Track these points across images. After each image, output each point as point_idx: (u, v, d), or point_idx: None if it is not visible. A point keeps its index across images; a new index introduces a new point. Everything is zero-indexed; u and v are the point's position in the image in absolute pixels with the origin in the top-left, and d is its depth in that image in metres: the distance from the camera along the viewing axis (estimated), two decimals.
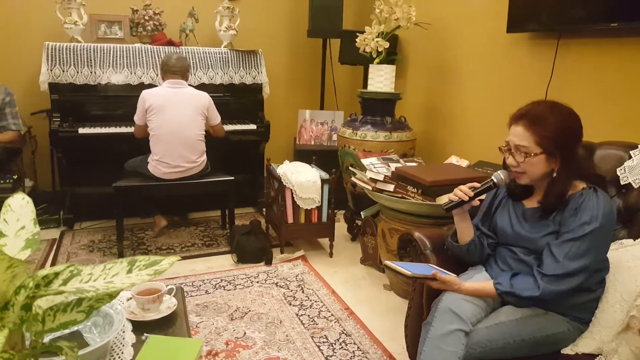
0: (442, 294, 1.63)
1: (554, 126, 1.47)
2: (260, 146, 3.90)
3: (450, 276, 1.60)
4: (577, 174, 1.53)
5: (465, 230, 1.74)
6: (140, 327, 1.40)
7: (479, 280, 1.66)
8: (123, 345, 1.29)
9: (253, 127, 3.75)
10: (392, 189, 2.38)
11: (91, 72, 3.38)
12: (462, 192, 1.67)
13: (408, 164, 2.73)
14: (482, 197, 1.75)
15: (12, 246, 0.85)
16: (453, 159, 2.74)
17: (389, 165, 2.65)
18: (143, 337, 1.34)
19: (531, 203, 1.62)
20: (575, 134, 1.53)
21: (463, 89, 3.14)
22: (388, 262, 1.61)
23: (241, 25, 3.89)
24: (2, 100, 2.94)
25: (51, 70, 3.29)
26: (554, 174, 1.51)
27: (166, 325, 1.47)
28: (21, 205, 0.90)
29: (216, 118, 3.18)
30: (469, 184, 1.70)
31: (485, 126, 2.96)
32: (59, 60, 3.31)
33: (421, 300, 1.88)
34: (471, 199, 1.67)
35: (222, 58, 3.76)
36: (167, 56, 3.08)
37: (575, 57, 2.41)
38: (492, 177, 1.66)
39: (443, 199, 2.34)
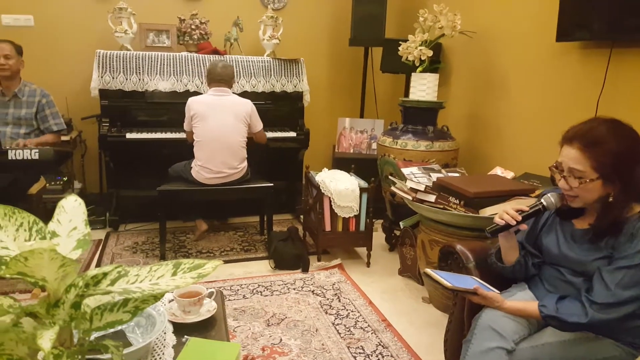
0: (482, 310, 1.58)
1: (614, 150, 1.35)
2: (300, 153, 3.92)
3: (492, 292, 1.55)
4: (636, 198, 1.41)
5: (510, 251, 1.66)
6: (181, 329, 1.42)
7: (522, 299, 1.59)
8: (164, 346, 1.31)
9: (293, 134, 3.78)
10: (433, 200, 2.33)
11: (139, 79, 3.50)
12: (508, 215, 1.56)
13: (450, 174, 2.68)
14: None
15: (64, 246, 0.88)
16: (498, 170, 2.66)
17: (430, 175, 2.60)
18: (183, 339, 1.36)
19: (581, 224, 1.52)
20: (637, 157, 1.39)
21: (509, 98, 3.06)
22: (429, 270, 1.57)
23: (284, 34, 3.94)
24: (39, 102, 3.08)
25: (102, 77, 3.43)
26: (610, 199, 1.40)
27: (206, 328, 1.48)
28: (74, 206, 0.92)
29: (258, 125, 3.23)
30: (517, 207, 1.60)
31: (532, 137, 2.87)
32: (109, 67, 3.45)
33: (462, 315, 1.83)
34: (518, 223, 1.58)
35: (264, 66, 3.81)
36: (212, 64, 3.15)
37: (629, 67, 2.30)
38: (542, 200, 1.56)
39: (486, 211, 2.28)
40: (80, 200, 0.93)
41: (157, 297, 0.90)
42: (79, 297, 0.86)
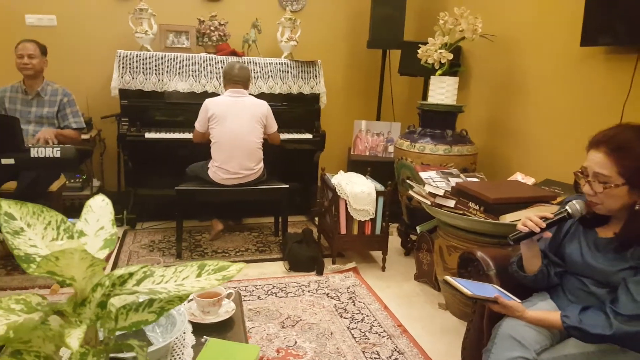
0: (502, 319, 1.55)
1: None
2: (315, 155, 3.92)
3: (513, 301, 1.52)
4: None
5: (532, 260, 1.63)
6: (200, 329, 1.42)
7: (544, 308, 1.56)
8: (183, 346, 1.31)
9: (309, 136, 3.78)
10: (452, 205, 2.31)
11: (159, 80, 3.53)
12: (532, 222, 1.53)
13: (469, 179, 2.65)
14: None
15: (91, 245, 0.89)
16: (518, 176, 2.63)
17: (448, 180, 2.58)
18: (202, 340, 1.36)
19: (606, 232, 1.49)
20: None
21: (530, 103, 3.02)
22: (448, 278, 1.55)
23: (302, 36, 3.94)
24: (61, 101, 3.11)
25: (122, 77, 3.47)
26: (637, 207, 1.37)
27: (224, 329, 1.48)
28: (101, 206, 0.93)
29: (274, 126, 3.24)
30: (541, 214, 1.57)
31: (554, 143, 2.83)
32: (130, 67, 3.48)
33: (481, 323, 1.80)
34: (542, 230, 1.55)
35: (282, 68, 3.82)
36: (229, 65, 3.16)
37: None
38: (567, 208, 1.53)
39: (507, 218, 2.25)
40: (107, 200, 0.94)
41: (182, 299, 0.90)
42: (105, 297, 0.87)
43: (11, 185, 2.88)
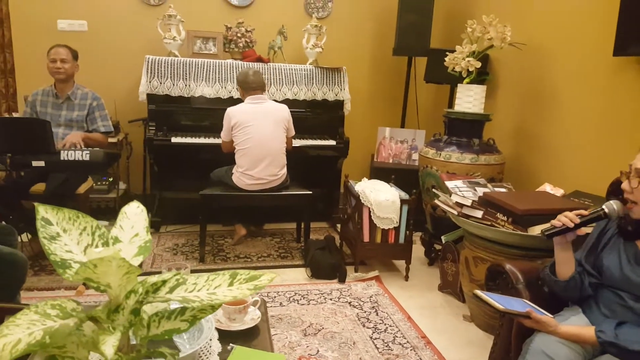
0: (534, 334, 1.51)
1: None
2: (338, 162, 3.91)
3: (546, 316, 1.48)
4: None
5: (565, 263, 1.59)
6: (225, 337, 1.42)
7: (577, 323, 1.52)
8: (210, 353, 1.31)
9: (332, 142, 3.78)
10: (480, 216, 2.27)
11: (185, 85, 3.58)
12: (567, 218, 1.52)
13: (496, 189, 2.60)
14: (589, 229, 1.60)
15: (126, 252, 0.89)
16: (547, 187, 2.57)
17: (475, 190, 2.54)
18: (229, 347, 1.36)
19: None
20: None
21: (560, 113, 2.95)
22: (479, 292, 1.52)
23: (327, 43, 3.95)
24: (90, 105, 3.17)
25: (150, 82, 3.52)
26: None
27: (249, 337, 1.48)
28: (136, 213, 0.94)
29: (292, 131, 3.25)
30: (576, 211, 1.55)
31: (585, 154, 2.76)
32: (157, 72, 3.54)
33: (509, 337, 1.76)
34: (577, 226, 1.52)
35: (306, 75, 3.83)
36: (243, 74, 3.14)
37: None
38: (604, 207, 1.51)
39: (536, 230, 2.20)
40: (142, 207, 0.94)
41: (214, 308, 0.90)
42: (139, 304, 0.87)
43: (40, 186, 2.94)
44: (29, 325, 0.79)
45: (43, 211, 0.90)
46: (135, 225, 0.92)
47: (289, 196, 3.23)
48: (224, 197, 3.13)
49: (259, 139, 3.05)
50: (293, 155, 3.34)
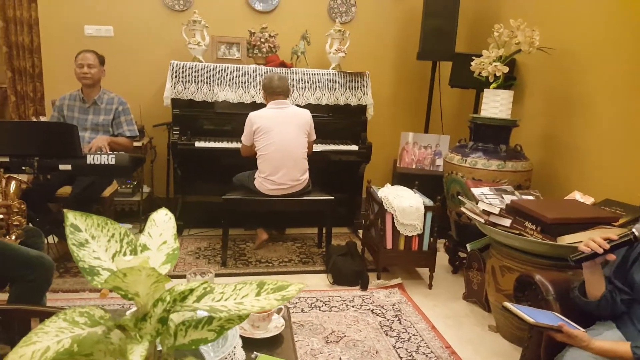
0: (565, 349, 1.46)
1: None
2: (361, 167, 3.88)
3: (578, 330, 1.43)
4: None
5: (595, 284, 1.54)
6: (249, 344, 1.40)
7: (610, 338, 1.47)
8: None
9: (355, 147, 3.75)
10: (508, 224, 2.21)
11: (209, 90, 3.60)
12: (595, 244, 1.47)
13: (524, 196, 2.54)
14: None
15: (154, 260, 0.88)
16: (576, 195, 2.49)
17: (502, 197, 2.48)
18: (253, 355, 1.34)
19: None
20: None
21: (590, 120, 2.87)
22: (508, 305, 1.48)
23: (350, 48, 3.93)
24: (116, 110, 3.21)
25: (174, 87, 3.56)
26: None
27: (273, 345, 1.46)
28: (164, 220, 0.93)
29: (313, 135, 3.24)
30: (605, 236, 1.49)
31: (616, 161, 2.67)
32: (182, 78, 3.57)
33: (538, 351, 1.71)
34: (606, 252, 1.47)
35: (329, 79, 3.81)
36: (268, 78, 3.16)
37: None
38: (633, 230, 1.45)
39: (565, 239, 2.13)
40: (170, 215, 0.94)
41: (242, 318, 0.88)
42: (166, 312, 0.86)
43: (66, 189, 2.99)
44: (57, 333, 0.78)
45: (72, 217, 0.90)
46: (163, 233, 0.91)
47: (310, 201, 3.22)
48: (246, 201, 3.13)
49: (280, 144, 3.04)
50: (315, 160, 3.33)
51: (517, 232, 2.19)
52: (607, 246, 1.46)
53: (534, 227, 2.19)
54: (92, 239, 0.90)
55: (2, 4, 4.90)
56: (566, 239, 2.13)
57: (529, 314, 1.43)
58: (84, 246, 0.88)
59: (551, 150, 3.20)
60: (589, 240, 1.49)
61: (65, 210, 0.89)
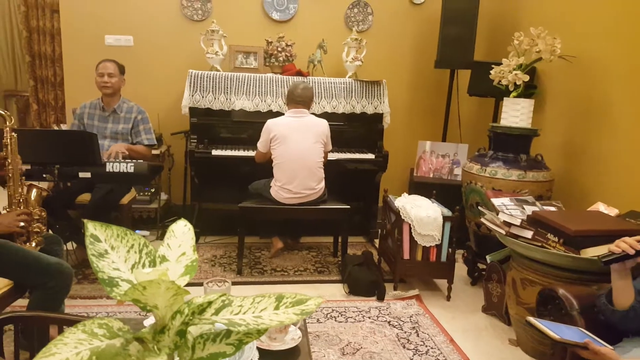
0: None
1: None
2: (377, 176, 3.85)
3: (606, 348, 1.38)
4: None
5: (623, 291, 1.49)
6: (266, 356, 1.38)
7: (638, 356, 1.41)
8: None
9: (371, 156, 3.73)
10: (530, 236, 2.16)
11: (227, 99, 3.62)
12: (626, 244, 1.43)
13: (545, 207, 2.48)
14: None
15: (172, 272, 0.87)
16: (600, 207, 2.43)
17: (523, 208, 2.43)
18: None
19: None
20: None
21: (614, 129, 2.80)
22: (532, 320, 1.44)
23: (367, 56, 3.92)
24: (135, 118, 3.24)
25: (192, 96, 3.59)
26: None
27: (290, 357, 1.44)
28: (183, 231, 0.92)
29: (329, 145, 3.23)
30: (636, 237, 1.45)
31: None
32: (200, 87, 3.60)
33: None
34: (637, 253, 1.42)
35: (345, 88, 3.81)
36: (294, 85, 3.18)
37: None
38: None
39: (588, 252, 2.08)
40: (189, 226, 0.93)
41: (260, 332, 0.86)
42: (184, 325, 0.85)
43: (86, 196, 3.02)
44: (76, 345, 0.78)
45: (92, 227, 0.90)
46: (182, 244, 0.91)
47: (326, 210, 3.20)
48: (262, 210, 3.13)
49: (296, 153, 3.04)
50: (331, 168, 3.32)
51: (539, 244, 2.14)
52: (639, 247, 1.41)
53: (556, 239, 2.13)
54: (111, 250, 0.90)
55: (26, 15, 5.03)
56: (590, 252, 2.07)
57: (553, 330, 1.39)
58: (103, 257, 0.88)
59: (573, 160, 3.13)
60: (620, 240, 1.46)
61: (85, 220, 0.89)
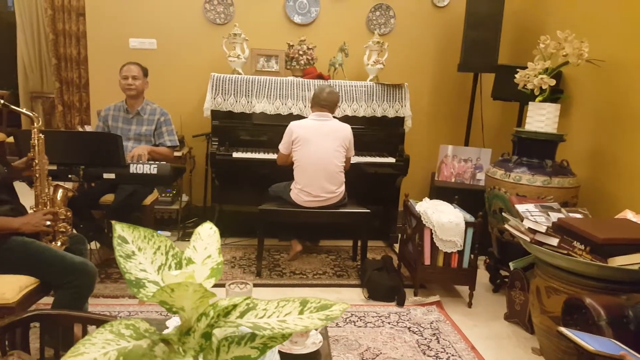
0: None
1: None
2: (397, 180, 3.82)
3: None
4: None
5: None
6: None
7: None
8: None
9: (392, 160, 3.70)
10: (555, 244, 2.11)
11: (248, 102, 3.64)
12: None
13: (571, 214, 2.43)
14: None
15: (198, 274, 0.87)
16: (629, 214, 2.37)
17: (548, 215, 2.38)
18: None
19: None
20: None
21: None
22: (564, 330, 1.40)
23: (389, 59, 3.90)
24: (158, 120, 3.27)
25: (214, 99, 3.62)
26: None
27: None
28: (209, 234, 0.92)
29: (352, 151, 3.22)
30: None
31: None
32: (222, 89, 3.63)
33: None
34: None
35: (366, 91, 3.79)
36: (320, 89, 3.18)
37: None
38: None
39: (617, 261, 2.02)
40: (215, 229, 0.93)
41: (285, 337, 0.86)
42: (210, 327, 0.85)
43: (109, 197, 3.06)
44: (103, 345, 0.78)
45: (120, 229, 0.90)
46: (208, 247, 0.91)
47: (346, 214, 3.19)
48: (282, 212, 3.14)
49: (317, 156, 3.04)
50: (351, 172, 3.31)
51: (565, 252, 2.09)
52: None
53: (582, 247, 2.08)
54: (138, 251, 0.90)
55: (52, 18, 5.14)
56: (618, 261, 2.02)
57: (587, 341, 1.35)
58: (130, 258, 0.89)
59: (600, 166, 3.06)
60: None
61: (113, 222, 0.90)
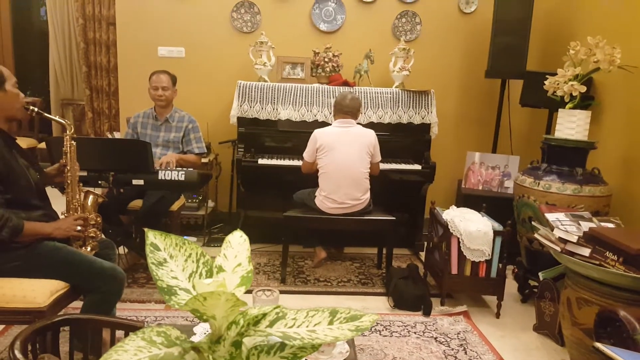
0: None
1: None
2: (423, 187, 3.78)
3: None
4: None
5: None
6: None
7: None
8: None
9: (418, 167, 3.67)
10: (587, 254, 2.05)
11: (273, 109, 3.67)
12: None
13: (603, 224, 2.36)
14: None
15: (229, 282, 0.88)
16: None
17: (579, 224, 2.32)
18: None
19: None
20: None
21: None
22: (601, 346, 1.36)
23: (415, 66, 3.88)
24: (186, 127, 3.33)
25: (240, 106, 3.66)
26: None
27: None
28: (239, 242, 0.93)
29: (378, 156, 3.20)
30: None
31: None
32: (248, 97, 3.67)
33: None
34: None
35: (392, 98, 3.78)
36: (341, 95, 3.18)
37: None
38: None
39: None
40: (245, 237, 0.94)
41: (315, 347, 0.86)
42: (240, 336, 0.85)
43: (137, 203, 3.12)
44: (136, 352, 0.80)
45: (152, 237, 0.92)
46: (238, 255, 0.92)
47: (371, 221, 3.17)
48: (307, 219, 3.14)
49: (341, 163, 3.04)
50: (376, 179, 3.29)
51: (597, 262, 2.03)
52: None
53: (615, 257, 2.02)
54: (170, 259, 0.91)
55: (83, 27, 5.30)
56: None
57: (625, 358, 1.30)
58: (162, 265, 0.90)
59: (632, 174, 2.96)
60: None
61: (145, 230, 0.91)
